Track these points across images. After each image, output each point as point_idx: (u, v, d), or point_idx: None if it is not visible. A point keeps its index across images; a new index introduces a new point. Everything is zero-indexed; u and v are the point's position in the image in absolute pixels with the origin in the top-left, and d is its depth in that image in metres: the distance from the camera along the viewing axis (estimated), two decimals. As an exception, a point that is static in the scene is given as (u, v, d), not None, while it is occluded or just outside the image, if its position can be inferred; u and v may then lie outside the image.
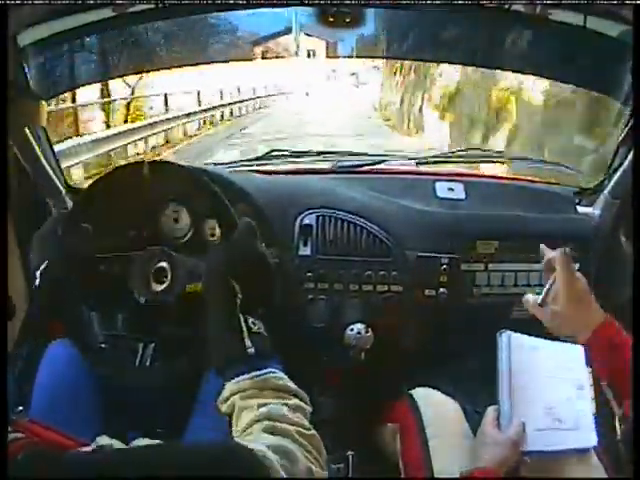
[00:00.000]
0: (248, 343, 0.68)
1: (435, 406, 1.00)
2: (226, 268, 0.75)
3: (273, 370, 0.67)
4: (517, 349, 0.93)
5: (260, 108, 16.41)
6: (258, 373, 0.65)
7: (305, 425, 0.62)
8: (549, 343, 0.96)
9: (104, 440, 0.61)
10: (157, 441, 0.66)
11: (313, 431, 0.62)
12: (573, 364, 0.93)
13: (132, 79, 9.82)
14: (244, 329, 0.69)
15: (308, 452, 0.58)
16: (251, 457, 0.50)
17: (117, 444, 0.55)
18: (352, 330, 1.12)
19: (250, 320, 0.71)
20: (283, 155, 1.45)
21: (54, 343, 1.05)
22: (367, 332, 1.12)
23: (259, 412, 0.61)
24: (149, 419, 1.03)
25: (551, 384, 0.91)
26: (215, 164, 1.47)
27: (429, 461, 0.90)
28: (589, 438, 0.87)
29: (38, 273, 0.91)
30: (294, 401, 0.64)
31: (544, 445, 0.86)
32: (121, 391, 1.01)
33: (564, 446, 0.87)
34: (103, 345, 0.99)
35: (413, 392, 1.04)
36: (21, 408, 0.92)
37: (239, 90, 15.69)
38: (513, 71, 1.19)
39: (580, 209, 1.26)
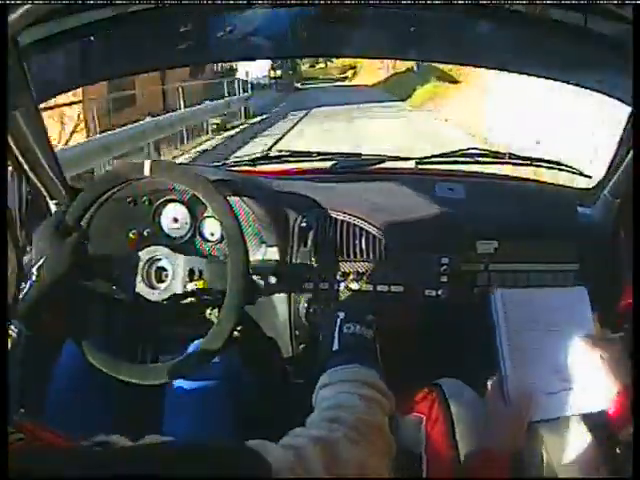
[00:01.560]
0: (335, 343, 0.76)
1: (462, 398, 0.98)
2: None
3: (358, 365, 0.72)
4: (512, 305, 0.86)
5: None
6: (341, 367, 0.71)
7: (372, 414, 0.64)
8: (546, 291, 0.91)
9: (102, 438, 0.61)
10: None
11: (381, 423, 0.65)
12: (576, 310, 0.87)
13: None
14: (336, 331, 0.77)
15: (361, 437, 0.59)
16: (255, 457, 0.50)
17: (118, 439, 0.55)
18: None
19: (346, 325, 0.79)
20: (283, 155, 1.45)
21: (69, 342, 1.05)
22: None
23: (330, 402, 0.65)
24: (150, 418, 1.04)
25: (555, 339, 0.85)
26: (215, 164, 1.47)
27: (457, 454, 0.89)
28: (597, 399, 0.81)
29: (35, 269, 0.91)
30: (369, 392, 0.67)
31: (555, 412, 0.81)
32: (122, 391, 1.01)
33: (574, 411, 0.82)
34: (103, 345, 0.99)
35: (441, 383, 1.02)
36: (23, 410, 0.92)
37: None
38: (513, 71, 1.19)
39: (580, 209, 1.26)
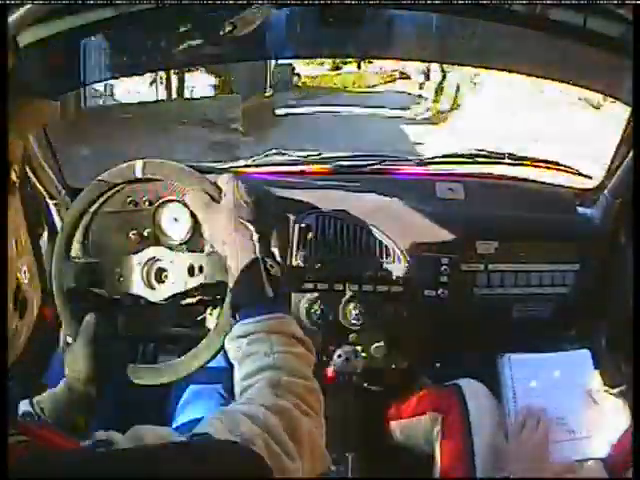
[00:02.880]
0: (267, 287, 0.68)
1: (479, 399, 1.00)
2: (240, 212, 0.75)
3: (283, 315, 0.67)
4: (519, 368, 0.94)
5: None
6: (268, 317, 0.65)
7: (309, 377, 0.62)
8: (551, 355, 0.97)
9: (102, 435, 0.61)
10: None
11: (315, 384, 0.62)
12: (579, 370, 0.94)
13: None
14: (262, 272, 0.69)
15: (309, 408, 0.59)
16: (251, 456, 0.50)
17: (115, 436, 0.55)
18: (340, 357, 1.11)
19: (269, 262, 0.71)
20: (283, 155, 1.45)
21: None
22: (356, 357, 1.10)
23: (265, 361, 0.61)
24: (151, 418, 1.03)
25: (559, 395, 0.92)
26: (215, 164, 1.47)
27: (472, 453, 0.91)
28: (602, 445, 0.87)
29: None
30: (300, 349, 0.64)
31: (560, 458, 0.86)
32: (122, 391, 1.01)
33: (579, 456, 0.87)
34: (104, 345, 0.99)
35: (460, 382, 1.04)
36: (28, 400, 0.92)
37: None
38: (512, 71, 1.19)
39: (580, 209, 1.26)
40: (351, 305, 1.15)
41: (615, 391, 0.92)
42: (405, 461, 1.09)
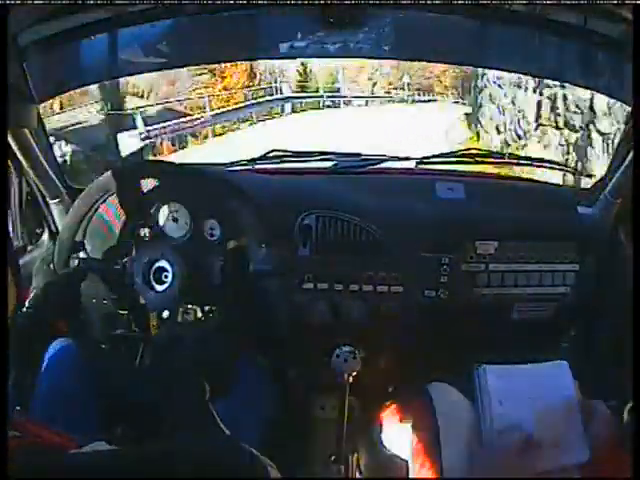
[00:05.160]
0: (223, 427, 0.73)
1: (449, 402, 1.00)
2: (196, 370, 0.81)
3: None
4: (494, 380, 0.95)
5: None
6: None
7: None
8: (528, 367, 0.98)
9: (102, 446, 0.61)
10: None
11: None
12: (556, 382, 0.95)
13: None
14: (217, 419, 0.74)
15: None
16: (248, 456, 0.50)
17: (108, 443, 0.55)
18: (338, 357, 1.11)
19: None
20: (283, 155, 1.45)
21: (56, 342, 1.05)
22: (354, 357, 1.10)
23: None
24: (149, 418, 1.04)
25: (534, 406, 0.92)
26: (215, 164, 1.47)
27: (439, 455, 0.91)
28: (580, 453, 0.88)
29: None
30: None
31: (536, 467, 0.87)
32: (121, 390, 1.01)
33: (557, 465, 0.87)
34: (104, 345, 0.99)
35: (429, 386, 1.04)
36: (19, 407, 0.92)
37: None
38: (513, 71, 1.19)
39: (580, 209, 1.26)
40: (351, 305, 1.15)
41: (598, 402, 0.92)
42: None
